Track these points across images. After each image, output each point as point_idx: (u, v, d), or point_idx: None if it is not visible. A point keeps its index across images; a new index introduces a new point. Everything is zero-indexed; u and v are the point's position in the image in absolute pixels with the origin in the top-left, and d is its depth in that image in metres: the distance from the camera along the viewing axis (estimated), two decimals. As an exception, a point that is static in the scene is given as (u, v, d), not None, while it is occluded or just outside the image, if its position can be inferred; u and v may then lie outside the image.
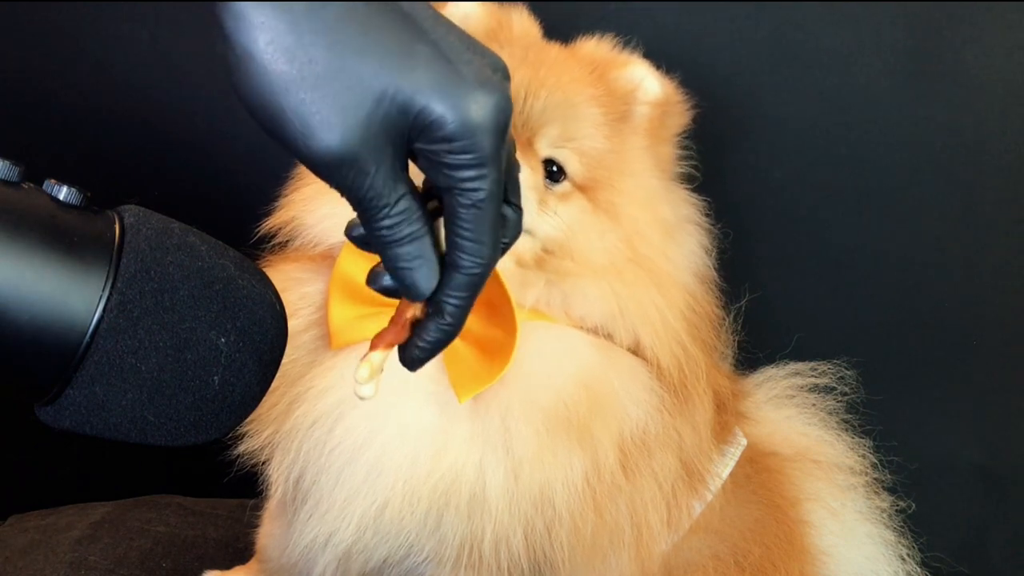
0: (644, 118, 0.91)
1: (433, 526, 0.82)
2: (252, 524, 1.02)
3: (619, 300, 0.86)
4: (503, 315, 0.80)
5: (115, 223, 0.61)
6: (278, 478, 0.89)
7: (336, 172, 0.55)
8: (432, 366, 0.81)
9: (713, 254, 0.95)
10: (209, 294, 0.61)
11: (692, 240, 0.94)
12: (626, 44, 0.94)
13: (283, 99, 0.53)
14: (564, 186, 0.86)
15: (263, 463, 0.89)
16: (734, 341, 1.06)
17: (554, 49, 0.91)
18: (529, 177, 0.81)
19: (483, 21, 0.89)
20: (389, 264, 0.60)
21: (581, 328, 0.85)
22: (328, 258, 0.87)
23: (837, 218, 1.22)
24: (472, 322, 0.80)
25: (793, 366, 1.08)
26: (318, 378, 0.84)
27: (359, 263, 0.82)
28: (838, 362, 1.07)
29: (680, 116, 0.94)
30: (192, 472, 1.16)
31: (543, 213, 0.84)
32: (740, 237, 1.22)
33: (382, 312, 0.82)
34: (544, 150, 0.86)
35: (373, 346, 0.67)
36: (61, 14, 1.22)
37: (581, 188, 0.87)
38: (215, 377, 0.61)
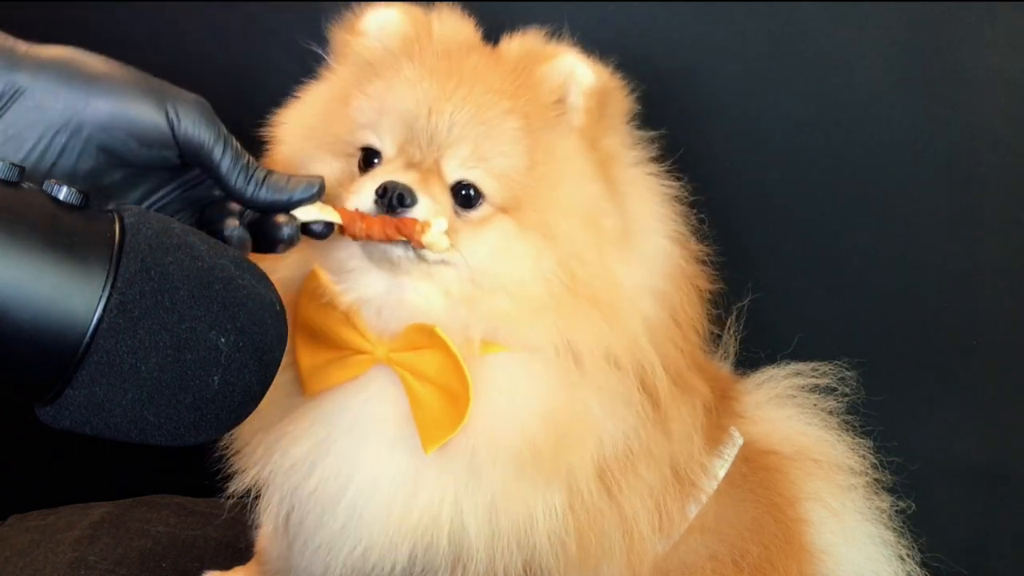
0: (580, 111, 0.82)
1: (421, 559, 0.82)
2: (252, 524, 1.02)
3: (562, 334, 0.80)
4: (455, 370, 0.78)
5: (115, 223, 0.61)
6: (267, 515, 0.89)
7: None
8: (398, 409, 0.80)
9: (694, 235, 0.89)
10: (209, 294, 0.61)
11: (654, 238, 0.86)
12: (554, 34, 0.87)
13: None
14: (483, 210, 0.79)
15: (254, 498, 0.89)
16: (735, 341, 1.06)
17: (475, 55, 0.83)
18: (430, 209, 0.76)
19: (400, 28, 0.84)
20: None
21: (536, 351, 0.81)
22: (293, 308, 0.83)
23: (837, 218, 1.22)
24: (431, 368, 0.78)
25: (794, 366, 1.08)
26: (291, 424, 0.83)
27: (319, 310, 0.81)
28: (839, 362, 1.06)
29: (621, 103, 0.85)
30: (192, 472, 1.16)
31: (452, 247, 0.77)
32: (741, 237, 1.22)
33: (349, 357, 0.81)
34: (454, 172, 0.79)
35: (367, 227, 0.75)
36: (61, 14, 1.22)
37: (504, 210, 0.80)
38: (215, 377, 0.61)
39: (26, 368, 0.57)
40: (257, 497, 0.89)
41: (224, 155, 0.70)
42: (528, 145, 0.80)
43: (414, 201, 0.76)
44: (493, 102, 0.80)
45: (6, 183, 0.58)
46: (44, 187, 0.60)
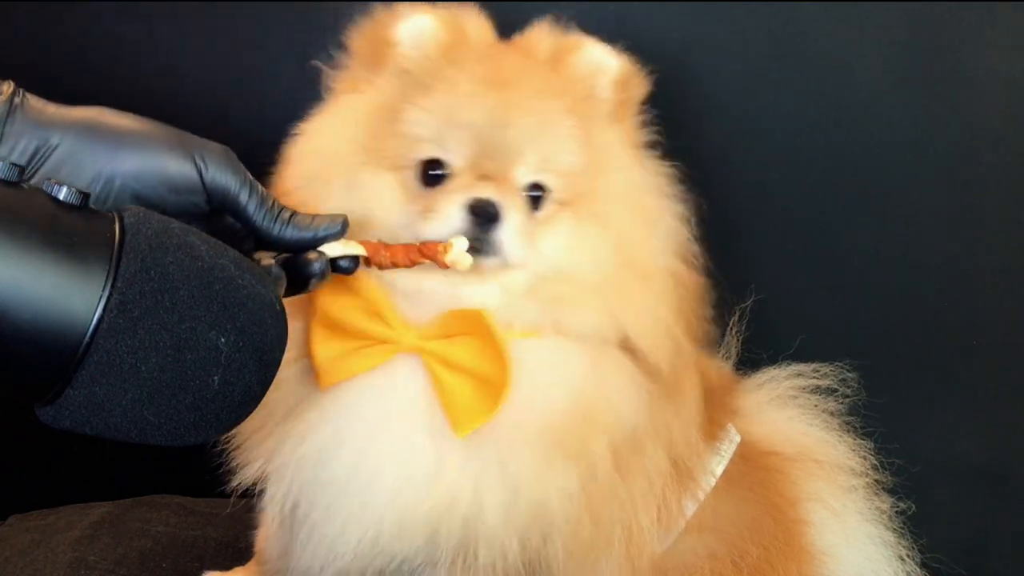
0: (610, 100, 0.86)
1: (430, 547, 0.82)
2: (252, 524, 1.02)
3: (612, 311, 0.83)
4: (495, 354, 0.79)
5: (115, 223, 0.61)
6: (273, 508, 0.87)
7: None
8: (421, 397, 0.80)
9: (691, 221, 0.92)
10: (209, 294, 0.61)
11: (668, 217, 0.89)
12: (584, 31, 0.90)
13: None
14: (547, 208, 0.83)
15: (258, 491, 0.89)
16: (737, 342, 1.05)
17: (513, 57, 0.86)
18: (516, 218, 0.79)
19: (438, 35, 0.84)
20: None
21: (568, 336, 0.83)
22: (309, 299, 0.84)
23: (838, 218, 1.22)
24: (466, 357, 0.79)
25: (795, 367, 1.08)
26: (307, 413, 0.82)
27: (338, 300, 0.82)
28: (840, 364, 1.06)
29: (640, 87, 0.89)
30: (192, 472, 1.16)
31: (532, 246, 0.81)
32: (742, 238, 1.22)
33: (368, 347, 0.81)
34: (524, 177, 0.82)
35: (391, 255, 0.76)
36: (61, 14, 1.22)
37: (562, 203, 0.83)
38: (215, 377, 0.61)
39: (26, 368, 0.57)
40: (260, 493, 0.89)
41: (250, 198, 0.74)
42: (582, 140, 0.84)
43: (503, 216, 0.79)
44: (550, 105, 0.83)
45: (6, 183, 0.58)
46: (44, 187, 0.60)
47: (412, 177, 0.82)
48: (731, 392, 1.03)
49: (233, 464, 0.88)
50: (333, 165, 0.84)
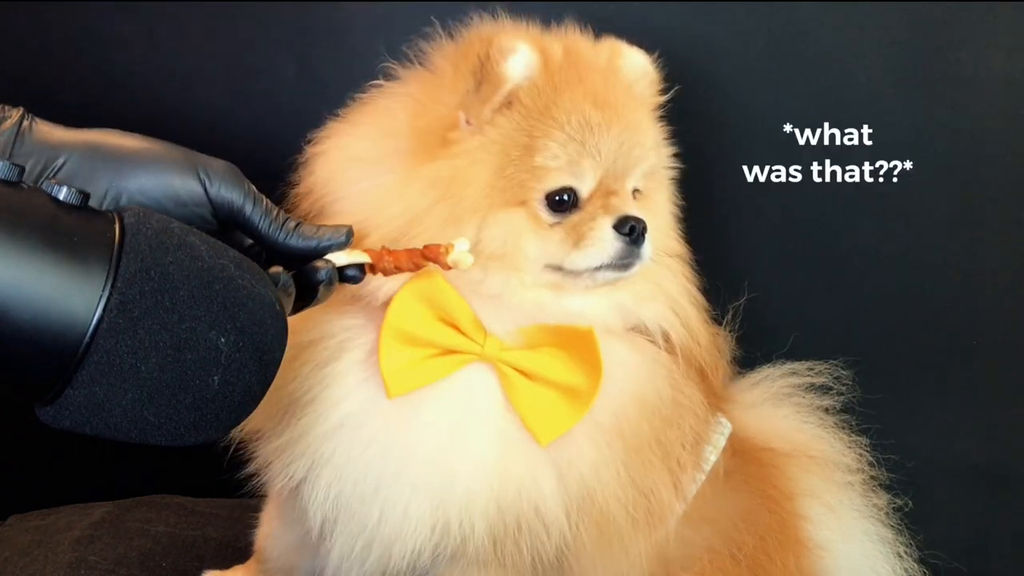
0: (650, 102, 0.93)
1: (482, 543, 0.82)
2: (252, 524, 1.02)
3: (670, 301, 0.89)
4: (590, 369, 0.82)
5: (115, 223, 0.61)
6: (313, 508, 0.85)
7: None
8: (494, 405, 0.82)
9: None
10: (209, 294, 0.61)
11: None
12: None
13: None
14: None
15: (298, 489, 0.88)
16: (732, 340, 1.06)
17: (596, 73, 0.87)
18: (648, 220, 0.84)
19: (539, 65, 0.84)
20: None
21: (630, 328, 0.87)
22: (382, 308, 0.84)
23: (837, 218, 1.22)
24: (550, 368, 0.82)
25: (790, 365, 1.08)
26: (373, 420, 0.82)
27: (410, 311, 0.82)
28: (835, 362, 1.07)
29: (660, 87, 0.94)
30: (192, 472, 1.16)
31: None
32: (739, 237, 1.22)
33: (439, 356, 0.82)
34: (632, 184, 0.88)
35: (395, 260, 0.77)
36: (61, 14, 1.22)
37: (638, 200, 0.89)
38: (215, 377, 0.61)
39: (26, 368, 0.57)
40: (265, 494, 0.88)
41: (255, 210, 0.75)
42: (660, 143, 0.92)
43: (648, 228, 0.83)
44: (642, 117, 0.89)
45: (6, 183, 0.58)
46: (44, 187, 0.60)
47: (540, 208, 0.84)
48: (721, 372, 1.03)
49: (268, 466, 0.87)
50: (465, 207, 0.82)
